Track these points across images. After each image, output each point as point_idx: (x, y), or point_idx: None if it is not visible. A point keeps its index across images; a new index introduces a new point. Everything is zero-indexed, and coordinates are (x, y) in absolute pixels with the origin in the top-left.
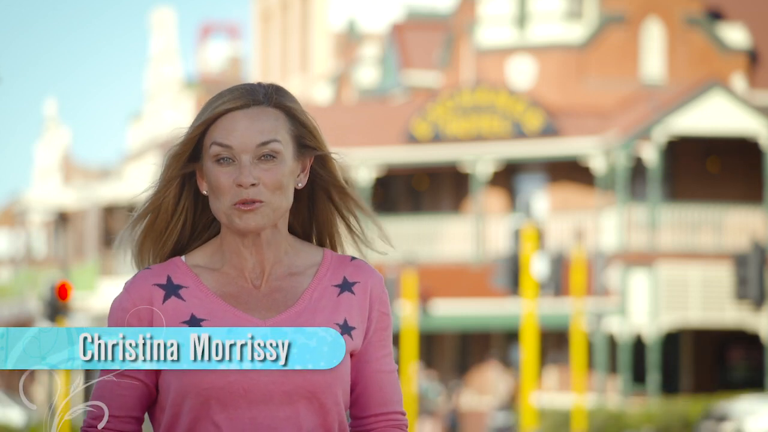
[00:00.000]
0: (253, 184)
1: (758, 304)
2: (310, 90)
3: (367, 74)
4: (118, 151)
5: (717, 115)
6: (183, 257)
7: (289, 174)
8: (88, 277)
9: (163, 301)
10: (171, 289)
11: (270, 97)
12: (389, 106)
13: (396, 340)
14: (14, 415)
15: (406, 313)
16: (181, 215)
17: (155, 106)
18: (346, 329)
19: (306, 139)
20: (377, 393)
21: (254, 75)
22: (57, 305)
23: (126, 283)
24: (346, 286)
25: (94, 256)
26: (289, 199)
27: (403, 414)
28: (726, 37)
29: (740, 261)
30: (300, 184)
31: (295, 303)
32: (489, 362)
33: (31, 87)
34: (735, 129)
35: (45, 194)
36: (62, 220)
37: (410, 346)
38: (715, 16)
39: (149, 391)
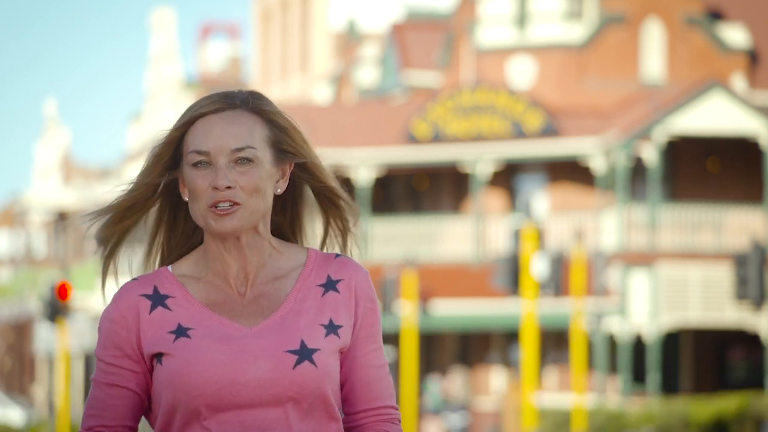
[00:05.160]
0: (228, 187)
1: (758, 304)
2: (310, 90)
3: (367, 74)
4: (118, 151)
5: (717, 115)
6: (170, 267)
7: (266, 178)
8: (88, 277)
9: (150, 311)
10: (157, 300)
11: (246, 101)
12: (389, 106)
13: (396, 340)
14: (14, 415)
15: (406, 313)
16: (162, 228)
17: (155, 106)
18: (332, 329)
19: (284, 144)
20: (366, 388)
21: (254, 75)
22: (57, 305)
23: (114, 295)
24: (330, 285)
25: (94, 256)
26: (266, 203)
27: (395, 408)
28: (726, 37)
29: (740, 261)
30: (279, 190)
31: (279, 307)
32: (489, 363)
33: (31, 87)
34: (735, 129)
35: (45, 194)
36: (62, 220)
37: (410, 346)
38: (715, 16)
39: (141, 401)
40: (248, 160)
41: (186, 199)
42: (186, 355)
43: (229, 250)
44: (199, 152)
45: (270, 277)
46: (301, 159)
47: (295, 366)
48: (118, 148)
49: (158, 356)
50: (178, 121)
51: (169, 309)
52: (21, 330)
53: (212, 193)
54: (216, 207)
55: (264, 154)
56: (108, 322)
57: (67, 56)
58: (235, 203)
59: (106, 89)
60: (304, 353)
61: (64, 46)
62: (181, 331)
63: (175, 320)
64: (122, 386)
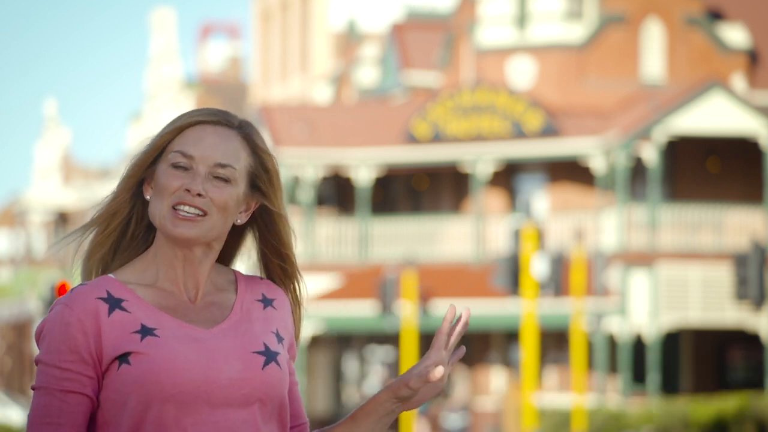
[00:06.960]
0: (200, 195)
1: (758, 304)
2: (310, 90)
3: (367, 74)
4: (118, 151)
5: (717, 115)
6: (112, 275)
7: (235, 201)
8: None
9: (109, 314)
10: (114, 303)
11: (241, 126)
12: (389, 106)
13: (396, 340)
14: (14, 415)
15: (406, 313)
16: (130, 223)
17: (155, 106)
18: (279, 339)
19: (259, 180)
20: (296, 404)
21: (254, 75)
22: None
23: (62, 299)
24: (267, 302)
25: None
26: (226, 225)
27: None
28: (726, 37)
29: (740, 261)
30: (239, 221)
31: (230, 314)
32: (489, 363)
33: (31, 87)
34: (735, 129)
35: (45, 194)
36: (62, 220)
37: (410, 346)
38: (715, 16)
39: (93, 407)
40: (226, 179)
41: (148, 197)
42: (159, 353)
43: (179, 260)
44: (184, 154)
45: (214, 288)
46: (268, 203)
47: (264, 366)
48: (118, 148)
49: (123, 357)
50: (170, 125)
51: (128, 311)
52: (21, 330)
53: (182, 194)
54: (178, 209)
55: (241, 181)
56: (63, 326)
57: (67, 56)
58: (203, 213)
59: (106, 89)
60: (270, 355)
61: (64, 46)
62: (146, 331)
63: (137, 321)
64: (79, 392)
